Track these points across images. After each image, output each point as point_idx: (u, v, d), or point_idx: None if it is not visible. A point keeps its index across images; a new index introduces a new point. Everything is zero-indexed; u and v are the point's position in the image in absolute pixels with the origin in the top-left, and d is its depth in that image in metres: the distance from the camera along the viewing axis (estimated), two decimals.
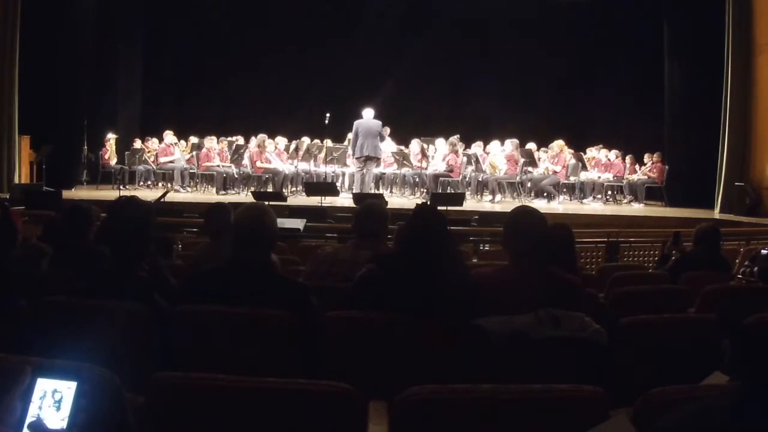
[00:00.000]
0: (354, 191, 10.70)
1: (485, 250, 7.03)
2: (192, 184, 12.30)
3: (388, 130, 12.54)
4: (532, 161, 11.85)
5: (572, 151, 12.26)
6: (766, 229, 8.66)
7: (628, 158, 12.27)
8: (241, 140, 12.43)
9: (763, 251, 4.32)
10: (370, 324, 2.47)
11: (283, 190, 11.16)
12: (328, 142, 12.13)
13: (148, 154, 12.25)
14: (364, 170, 11.20)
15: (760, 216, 10.16)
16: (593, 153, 12.46)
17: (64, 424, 1.15)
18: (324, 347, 2.46)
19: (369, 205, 3.65)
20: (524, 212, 2.76)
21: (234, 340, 2.37)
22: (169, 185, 11.94)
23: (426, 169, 11.85)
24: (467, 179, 11.89)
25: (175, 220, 7.81)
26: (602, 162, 12.26)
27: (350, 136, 11.48)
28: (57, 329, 2.33)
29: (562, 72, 14.18)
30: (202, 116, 13.60)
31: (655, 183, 11.95)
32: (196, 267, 3.73)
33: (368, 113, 11.27)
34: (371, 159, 11.17)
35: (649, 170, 12.00)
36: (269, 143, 12.11)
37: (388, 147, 12.45)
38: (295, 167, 11.86)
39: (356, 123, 11.14)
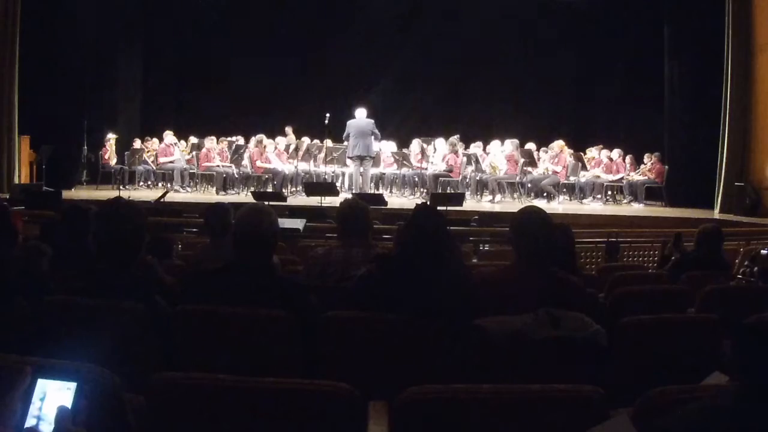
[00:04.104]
0: (354, 191, 10.72)
1: (485, 250, 7.03)
2: (192, 184, 12.30)
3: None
4: (532, 161, 11.85)
5: (572, 151, 12.26)
6: (766, 229, 8.67)
7: (628, 158, 12.28)
8: (241, 140, 12.44)
9: (763, 251, 4.33)
10: (370, 324, 2.47)
11: (283, 190, 11.16)
12: (328, 142, 12.13)
13: (148, 154, 12.25)
14: (361, 169, 11.25)
15: (760, 216, 10.16)
16: (593, 153, 12.47)
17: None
18: (324, 347, 2.46)
19: (348, 204, 3.69)
20: (532, 212, 2.77)
21: (234, 340, 2.37)
22: (169, 185, 11.94)
23: (426, 169, 11.86)
24: (467, 179, 11.89)
25: (175, 220, 7.81)
26: (602, 162, 12.26)
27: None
28: (57, 329, 2.33)
29: (563, 72, 14.20)
30: (202, 116, 13.61)
31: (655, 183, 11.94)
32: (196, 267, 3.74)
33: (360, 113, 11.31)
34: (364, 158, 11.22)
35: (649, 170, 12.00)
36: (269, 143, 12.11)
37: (388, 147, 12.49)
38: (295, 167, 11.87)
39: (348, 123, 11.20)
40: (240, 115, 13.75)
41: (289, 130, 12.59)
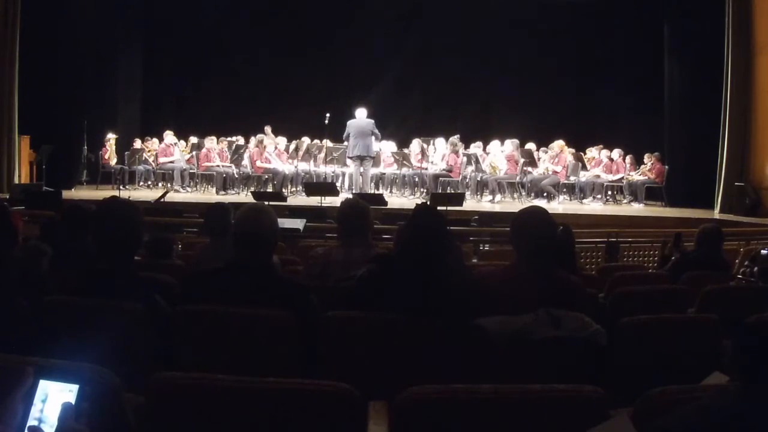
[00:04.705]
0: (354, 191, 10.73)
1: (485, 250, 7.03)
2: (192, 184, 12.31)
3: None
4: (532, 161, 11.85)
5: (572, 151, 12.26)
6: (766, 229, 8.66)
7: (628, 158, 12.28)
8: (241, 140, 12.45)
9: (763, 251, 4.33)
10: (370, 324, 2.47)
11: (283, 190, 11.16)
12: (328, 142, 12.14)
13: (148, 154, 12.25)
14: (361, 169, 11.26)
15: (760, 216, 10.16)
16: (593, 153, 12.47)
17: None
18: (324, 347, 2.46)
19: (349, 204, 3.68)
20: (532, 212, 2.78)
21: (234, 340, 2.37)
22: (169, 185, 11.94)
23: (426, 169, 11.87)
24: (467, 179, 11.90)
25: (175, 220, 7.80)
26: (602, 162, 12.26)
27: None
28: (57, 329, 2.33)
29: (563, 72, 14.20)
30: (202, 116, 13.60)
31: (655, 183, 11.95)
32: (196, 267, 3.74)
33: (361, 113, 11.32)
34: (365, 158, 11.23)
35: (649, 170, 12.00)
36: (269, 143, 12.12)
37: (388, 147, 12.49)
38: (295, 167, 11.87)
39: (349, 123, 11.21)
40: (240, 115, 13.75)
41: (268, 129, 12.63)
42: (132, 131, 13.24)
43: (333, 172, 12.15)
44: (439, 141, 12.21)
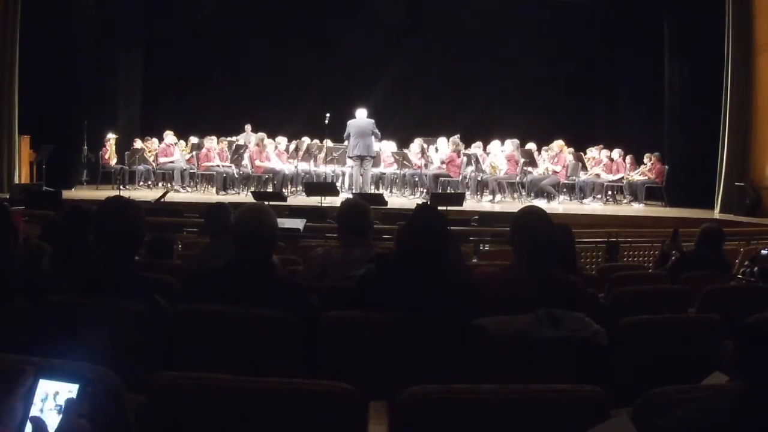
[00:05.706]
0: (354, 191, 10.73)
1: (485, 250, 7.02)
2: (192, 184, 12.31)
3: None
4: (532, 161, 11.85)
5: (572, 150, 12.27)
6: (766, 229, 8.66)
7: (628, 158, 12.28)
8: (241, 140, 12.45)
9: (763, 251, 4.34)
10: (370, 324, 2.47)
11: (283, 190, 11.17)
12: (328, 142, 12.14)
13: (149, 154, 12.25)
14: (361, 169, 11.27)
15: (760, 216, 10.16)
16: (593, 153, 12.47)
17: None
18: (324, 347, 2.46)
19: (349, 204, 3.66)
20: (531, 212, 2.78)
21: (234, 340, 2.37)
22: (169, 185, 11.95)
23: (427, 167, 11.87)
24: (467, 179, 11.90)
25: (175, 220, 7.80)
26: (602, 162, 12.26)
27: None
28: (57, 329, 2.33)
29: (563, 72, 14.20)
30: (202, 116, 13.60)
31: (655, 183, 11.95)
32: (196, 267, 3.74)
33: (361, 113, 11.34)
34: (365, 158, 11.24)
35: (649, 170, 12.00)
36: (269, 143, 12.12)
37: (388, 147, 12.50)
38: (295, 167, 11.87)
39: (349, 123, 11.22)
40: (240, 115, 13.75)
41: (248, 128, 12.63)
42: (132, 131, 13.24)
43: (333, 172, 12.15)
44: (441, 141, 12.22)
